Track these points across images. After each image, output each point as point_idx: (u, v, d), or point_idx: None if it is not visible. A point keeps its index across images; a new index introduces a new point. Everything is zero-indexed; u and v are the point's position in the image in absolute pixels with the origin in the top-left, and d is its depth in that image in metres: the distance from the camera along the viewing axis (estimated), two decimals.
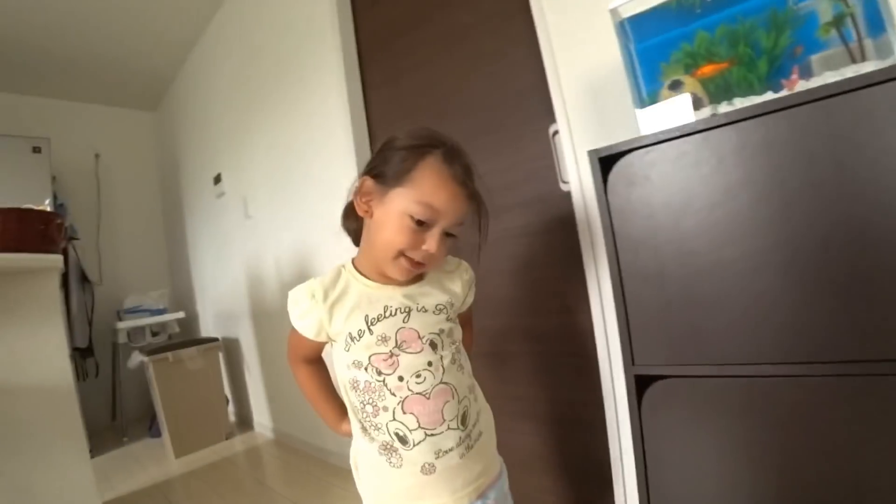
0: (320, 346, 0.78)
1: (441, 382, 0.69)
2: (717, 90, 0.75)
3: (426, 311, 0.73)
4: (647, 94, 0.81)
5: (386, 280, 0.72)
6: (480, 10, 1.35)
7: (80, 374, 2.80)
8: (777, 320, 0.58)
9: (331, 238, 1.78)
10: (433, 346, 0.71)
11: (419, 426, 0.67)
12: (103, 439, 2.81)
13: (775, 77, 0.72)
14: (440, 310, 0.74)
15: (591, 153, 0.68)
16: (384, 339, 0.68)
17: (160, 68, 3.15)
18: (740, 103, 0.70)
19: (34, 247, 1.22)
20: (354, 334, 0.68)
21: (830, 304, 0.55)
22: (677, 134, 0.61)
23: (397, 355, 0.68)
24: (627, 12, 0.82)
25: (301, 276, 2.09)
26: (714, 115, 0.65)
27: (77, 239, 2.89)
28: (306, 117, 2.00)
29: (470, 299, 0.83)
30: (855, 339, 0.53)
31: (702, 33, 0.77)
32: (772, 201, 0.57)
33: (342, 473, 1.91)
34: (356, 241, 0.80)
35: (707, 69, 0.73)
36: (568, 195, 1.15)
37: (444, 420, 0.68)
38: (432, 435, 0.67)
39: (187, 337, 3.08)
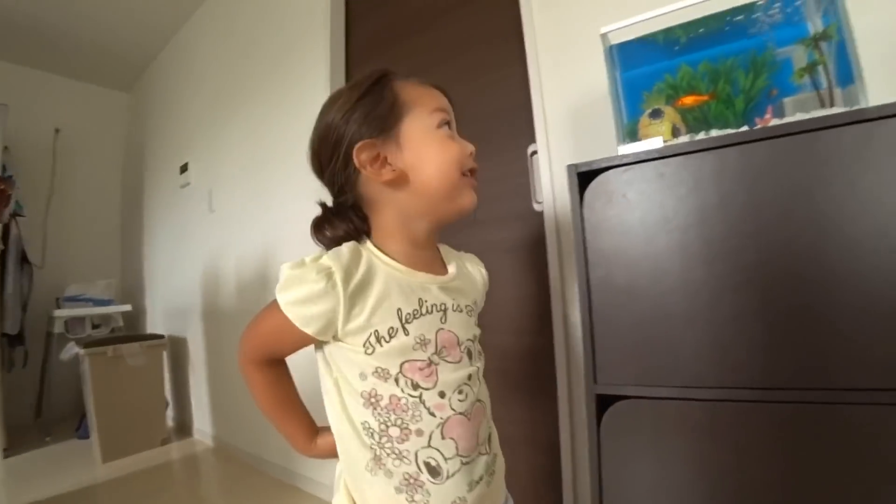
0: (306, 344, 0.58)
1: (478, 400, 0.59)
2: (695, 122, 0.77)
3: (461, 310, 0.61)
4: (629, 121, 0.83)
5: (419, 264, 0.59)
6: (475, 25, 1.37)
7: (5, 363, 2.58)
8: (743, 345, 0.58)
9: (299, 242, 1.74)
10: (469, 355, 0.60)
11: (457, 453, 0.55)
12: (24, 437, 2.56)
13: (751, 114, 0.74)
14: (471, 311, 0.63)
15: (570, 167, 0.68)
16: (423, 343, 0.55)
17: (139, 49, 3.05)
18: (717, 135, 0.72)
19: None
20: (383, 333, 0.53)
21: (796, 332, 0.56)
22: (657, 155, 0.62)
23: (436, 364, 0.55)
24: (616, 39, 0.84)
25: (262, 279, 2.02)
26: (697, 139, 0.66)
27: (22, 216, 2.70)
28: (285, 115, 1.96)
29: (482, 304, 0.71)
30: (818, 367, 0.54)
31: (685, 67, 0.79)
32: (745, 226, 0.58)
33: (286, 489, 1.81)
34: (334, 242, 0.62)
35: (688, 99, 0.75)
36: (540, 215, 1.15)
37: (479, 443, 0.58)
38: (467, 463, 0.56)
39: (131, 332, 2.90)
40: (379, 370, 0.53)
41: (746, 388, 0.58)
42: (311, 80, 1.82)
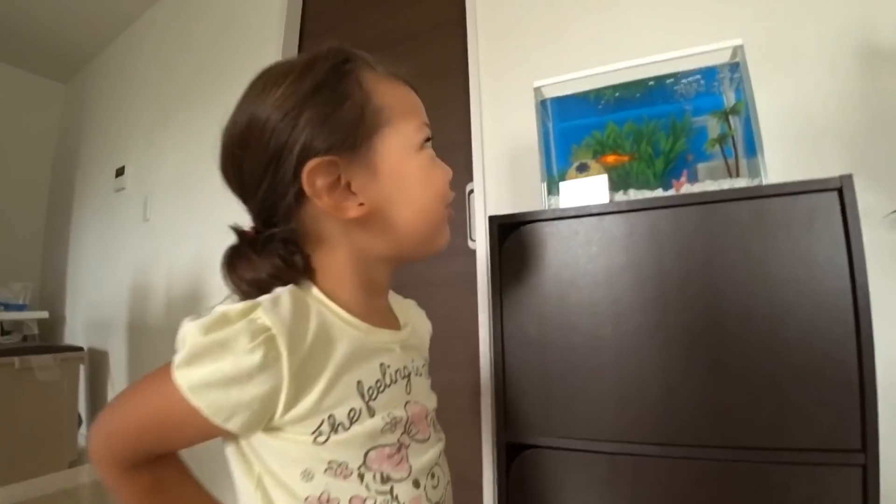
0: (210, 438, 0.39)
1: (448, 482, 0.49)
2: (618, 178, 0.80)
3: (420, 374, 0.50)
4: (558, 171, 0.86)
5: (376, 317, 0.46)
6: (421, 59, 1.39)
7: None
8: (644, 401, 0.60)
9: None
10: (435, 428, 0.50)
11: None
12: None
13: (668, 175, 0.79)
14: (426, 372, 0.53)
15: (492, 219, 0.69)
16: (393, 424, 0.42)
17: (81, 41, 2.88)
18: (635, 194, 0.76)
19: None
20: (341, 419, 0.39)
21: (691, 392, 0.58)
22: (573, 214, 0.65)
23: (406, 447, 0.43)
24: (551, 93, 0.87)
25: (194, 295, 1.92)
26: (609, 202, 0.69)
27: None
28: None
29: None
30: (714, 425, 0.57)
31: (612, 125, 0.83)
32: (649, 288, 0.61)
33: None
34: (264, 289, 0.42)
35: (611, 158, 0.79)
36: (474, 253, 1.17)
37: None
38: None
39: (46, 342, 2.67)
40: (334, 465, 0.38)
41: (644, 444, 0.60)
42: None
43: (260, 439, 0.38)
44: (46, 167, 3.36)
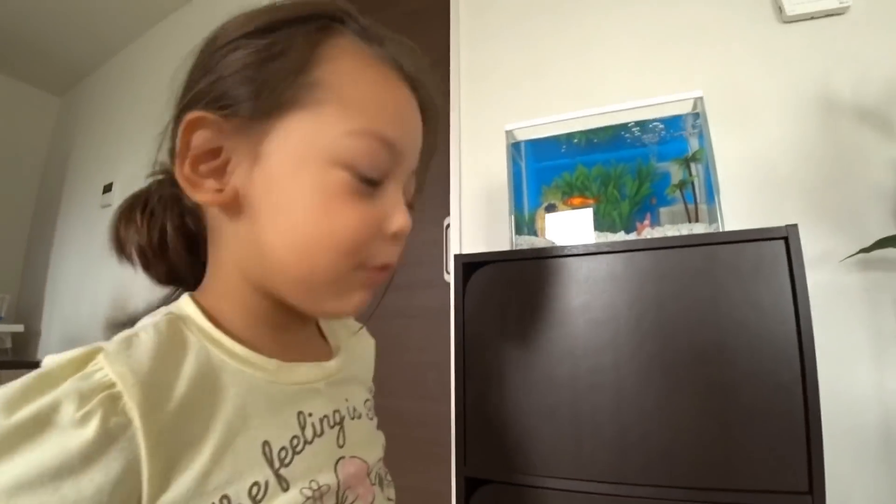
0: None
1: None
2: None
3: (360, 415, 0.39)
4: (530, 210, 0.89)
5: (290, 347, 0.35)
6: None
7: None
8: (598, 440, 0.62)
9: None
10: (381, 484, 0.39)
11: None
12: None
13: (633, 218, 0.82)
14: (370, 410, 0.43)
15: (457, 257, 0.72)
16: (318, 496, 0.31)
17: (80, 56, 2.92)
18: (597, 236, 0.79)
19: None
20: (241, 499, 0.27)
21: (645, 431, 0.60)
22: (534, 255, 0.67)
23: None
24: (524, 135, 0.91)
25: None
26: (567, 246, 0.72)
27: None
28: None
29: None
30: (665, 464, 0.59)
31: (581, 168, 0.87)
32: (603, 329, 0.63)
33: None
34: (173, 278, 0.38)
35: (577, 201, 0.82)
36: (448, 286, 1.19)
37: None
38: None
39: (18, 357, 2.61)
40: None
41: (598, 482, 0.61)
42: None
43: None
44: (34, 178, 3.34)
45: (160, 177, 0.37)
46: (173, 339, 0.29)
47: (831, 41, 0.93)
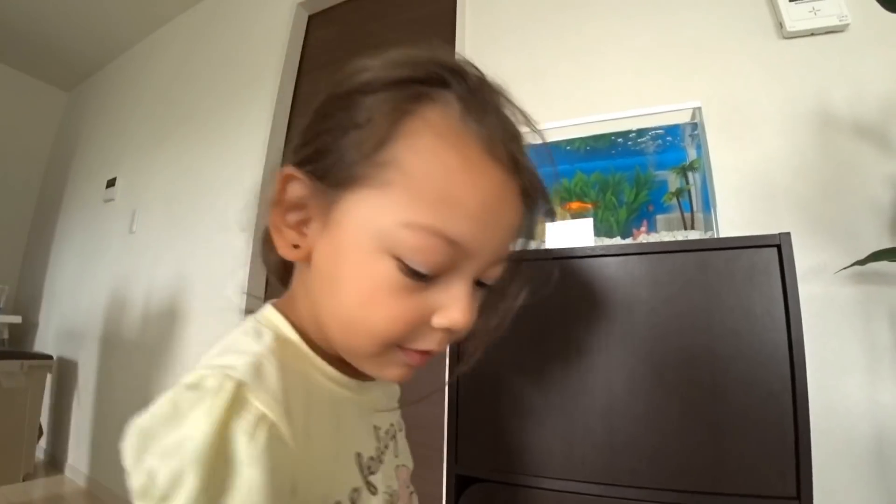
0: None
1: None
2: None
3: (401, 427, 0.45)
4: None
5: (358, 368, 0.35)
6: None
7: None
8: (589, 442, 0.62)
9: (219, 282, 1.70)
10: (410, 490, 0.43)
11: None
12: None
13: (630, 224, 0.83)
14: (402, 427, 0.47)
15: None
16: (392, 501, 0.37)
17: (88, 52, 2.95)
18: (594, 241, 0.80)
19: None
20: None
21: (635, 434, 0.61)
22: (532, 257, 0.68)
23: None
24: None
25: (171, 312, 1.91)
26: (565, 248, 0.73)
27: None
28: (219, 151, 1.97)
29: None
30: (655, 467, 0.59)
31: (580, 174, 0.88)
32: (596, 332, 0.63)
33: None
34: (284, 281, 0.40)
35: (575, 205, 0.83)
36: None
37: None
38: None
39: (15, 347, 2.61)
40: None
41: (587, 482, 0.61)
42: (249, 126, 1.86)
43: None
44: (39, 171, 3.37)
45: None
46: (287, 367, 0.30)
47: (830, 57, 0.94)
